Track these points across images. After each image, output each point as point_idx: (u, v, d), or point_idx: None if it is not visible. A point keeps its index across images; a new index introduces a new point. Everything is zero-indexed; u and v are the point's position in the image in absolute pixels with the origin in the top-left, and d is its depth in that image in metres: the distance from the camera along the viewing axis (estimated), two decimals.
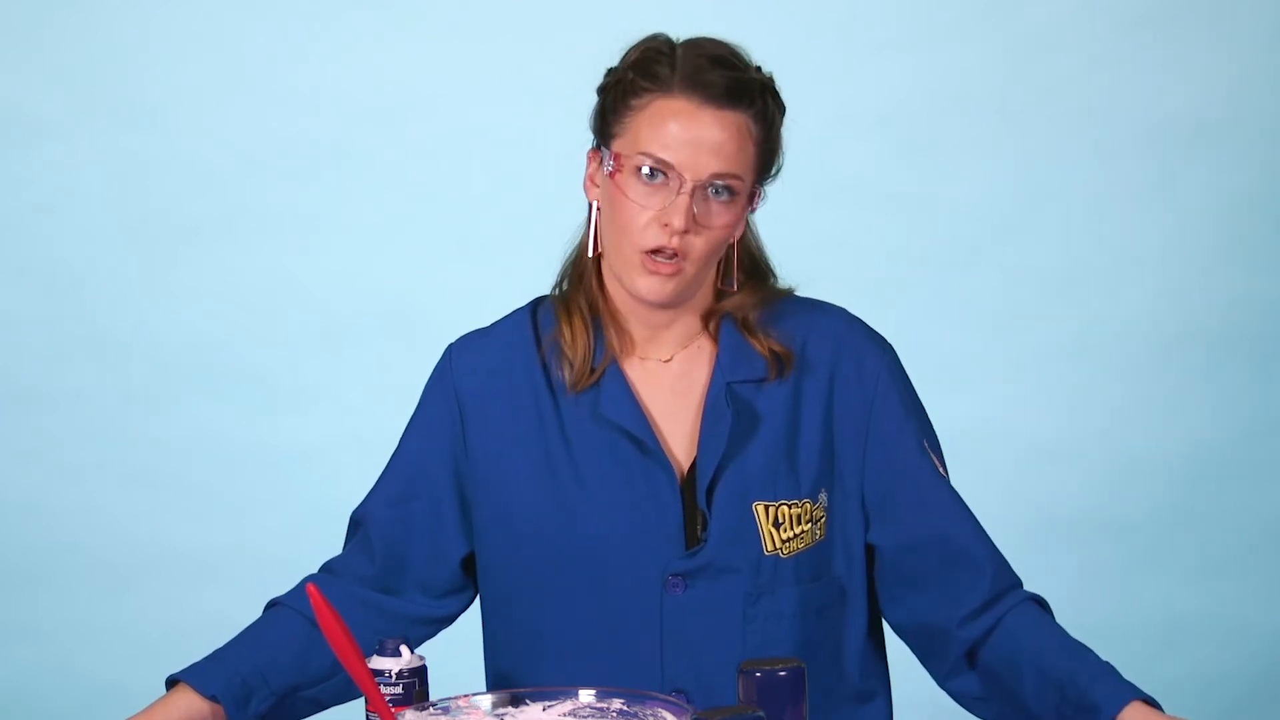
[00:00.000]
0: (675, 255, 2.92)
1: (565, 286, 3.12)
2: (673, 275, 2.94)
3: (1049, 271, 5.09)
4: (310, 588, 2.58)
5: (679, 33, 3.10)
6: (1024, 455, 5.11)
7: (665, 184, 2.92)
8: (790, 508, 3.03)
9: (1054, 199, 5.07)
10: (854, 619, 3.12)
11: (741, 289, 3.08)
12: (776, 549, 3.02)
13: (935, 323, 5.04)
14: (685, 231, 2.91)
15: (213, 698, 3.08)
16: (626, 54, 3.02)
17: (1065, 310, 5.10)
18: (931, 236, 5.08)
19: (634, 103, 2.97)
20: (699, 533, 3.03)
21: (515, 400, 3.11)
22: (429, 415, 3.21)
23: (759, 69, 3.04)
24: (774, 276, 3.14)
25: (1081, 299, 5.10)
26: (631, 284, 2.98)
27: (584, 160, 3.07)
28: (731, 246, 3.05)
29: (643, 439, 3.03)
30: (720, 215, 2.95)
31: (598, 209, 3.04)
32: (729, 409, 3.02)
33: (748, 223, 3.09)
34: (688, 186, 2.91)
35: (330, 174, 5.12)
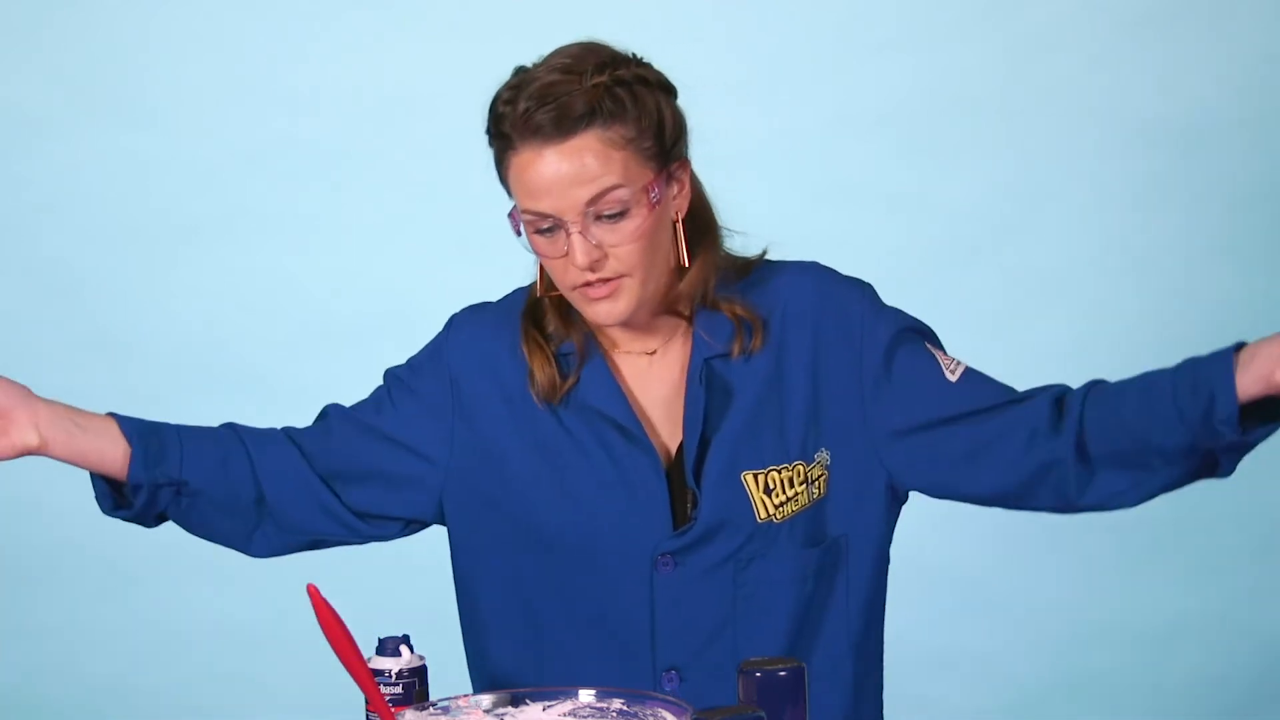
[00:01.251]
0: (608, 280, 2.94)
1: (529, 330, 3.14)
2: (614, 293, 2.96)
3: (1048, 271, 5.10)
4: (310, 587, 2.58)
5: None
6: None
7: (555, 229, 2.93)
8: (780, 472, 3.05)
9: (1053, 199, 5.08)
10: (855, 582, 3.15)
11: (695, 263, 3.07)
12: (770, 515, 3.04)
13: (934, 322, 4.98)
14: (598, 261, 2.93)
15: (129, 443, 3.14)
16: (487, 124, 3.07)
17: (1065, 310, 5.10)
18: (931, 236, 5.09)
19: (501, 164, 3.04)
20: (689, 512, 3.05)
21: (507, 384, 3.13)
22: (425, 387, 3.24)
23: (612, 65, 2.98)
24: (723, 235, 3.13)
25: (1081, 299, 5.10)
26: (589, 318, 3.02)
27: None
28: (675, 225, 3.05)
29: (627, 426, 3.05)
30: (623, 229, 2.93)
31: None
32: (701, 386, 3.04)
33: (692, 183, 3.08)
34: (573, 227, 2.91)
35: (330, 174, 5.13)
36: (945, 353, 3.15)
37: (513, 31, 4.91)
